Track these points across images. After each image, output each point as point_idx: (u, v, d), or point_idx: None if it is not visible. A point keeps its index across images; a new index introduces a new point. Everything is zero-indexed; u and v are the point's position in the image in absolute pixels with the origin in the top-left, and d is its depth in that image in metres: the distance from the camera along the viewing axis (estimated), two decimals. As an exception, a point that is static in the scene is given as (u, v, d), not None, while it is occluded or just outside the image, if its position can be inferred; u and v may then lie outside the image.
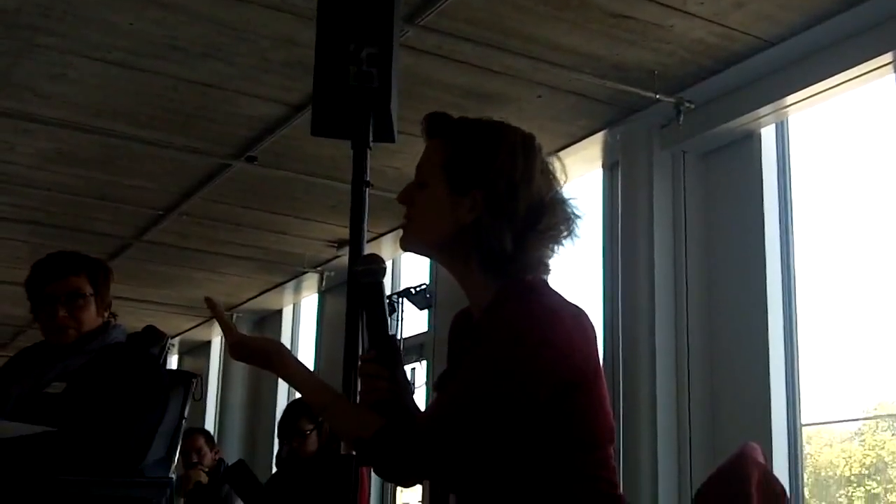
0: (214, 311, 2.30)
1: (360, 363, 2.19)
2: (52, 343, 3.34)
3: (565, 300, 2.00)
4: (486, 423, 1.88)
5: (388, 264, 9.81)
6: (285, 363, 2.15)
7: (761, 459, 1.98)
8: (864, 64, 5.65)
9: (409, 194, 2.11)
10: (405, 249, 2.19)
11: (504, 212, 1.99)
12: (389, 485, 9.59)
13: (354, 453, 2.01)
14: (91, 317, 3.34)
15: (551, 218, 2.01)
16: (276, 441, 5.29)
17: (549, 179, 2.05)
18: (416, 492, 9.45)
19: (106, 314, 3.42)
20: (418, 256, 2.25)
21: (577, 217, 2.08)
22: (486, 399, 1.88)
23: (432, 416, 1.96)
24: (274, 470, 5.60)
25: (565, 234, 2.06)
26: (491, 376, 1.89)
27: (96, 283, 3.37)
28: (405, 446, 1.92)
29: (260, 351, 2.19)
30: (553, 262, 2.07)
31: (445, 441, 1.89)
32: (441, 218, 2.05)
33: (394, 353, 2.16)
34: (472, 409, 1.88)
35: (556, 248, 2.06)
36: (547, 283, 2.05)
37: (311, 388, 2.13)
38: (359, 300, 2.23)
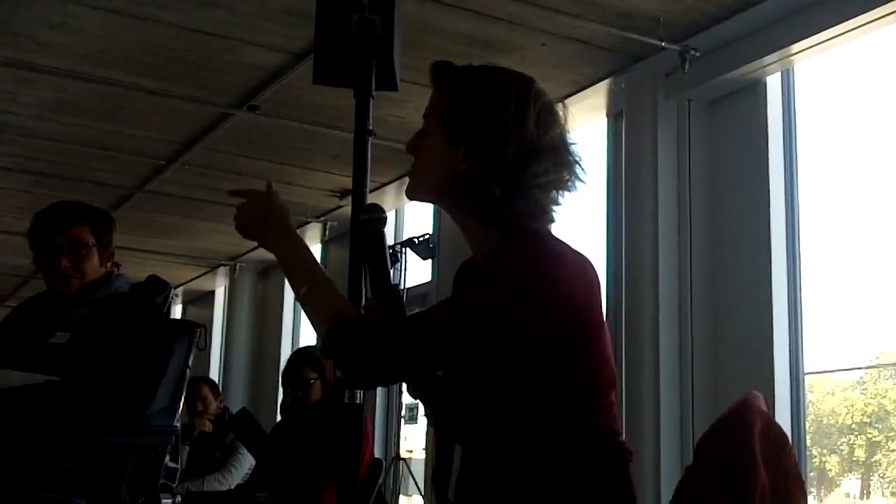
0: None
1: (362, 312, 2.19)
2: (55, 293, 3.34)
3: (570, 247, 2.00)
4: (467, 346, 1.89)
5: (392, 214, 9.81)
6: (284, 234, 2.19)
7: (764, 408, 1.98)
8: (872, 11, 5.60)
9: (414, 143, 2.13)
10: (410, 198, 2.20)
11: (493, 159, 1.99)
12: (393, 433, 9.64)
13: (324, 334, 2.00)
14: (94, 266, 3.34)
15: (542, 163, 2.00)
16: (281, 390, 5.32)
17: (547, 124, 2.03)
18: (419, 440, 9.51)
19: (109, 264, 3.42)
20: (422, 205, 2.26)
21: (576, 162, 2.07)
22: (471, 323, 1.89)
23: (414, 319, 1.99)
24: (278, 418, 5.63)
25: (567, 178, 2.05)
26: (488, 305, 1.89)
27: (98, 232, 3.37)
28: (377, 334, 1.93)
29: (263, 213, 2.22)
30: (557, 212, 2.07)
31: (416, 341, 1.91)
32: (439, 165, 2.06)
33: (396, 301, 2.17)
34: (460, 326, 1.90)
35: (556, 195, 2.05)
36: (551, 233, 2.05)
37: (302, 263, 2.16)
38: (361, 250, 2.23)
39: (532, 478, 1.92)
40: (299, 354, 5.32)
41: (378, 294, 2.15)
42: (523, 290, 1.88)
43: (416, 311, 2.08)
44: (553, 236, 2.04)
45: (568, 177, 2.05)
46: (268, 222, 2.20)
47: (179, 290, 14.06)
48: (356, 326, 1.95)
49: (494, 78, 2.07)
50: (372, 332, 1.94)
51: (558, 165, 2.03)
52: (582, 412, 1.95)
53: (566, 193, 2.07)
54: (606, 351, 2.00)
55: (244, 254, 12.24)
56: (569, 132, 2.08)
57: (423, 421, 9.22)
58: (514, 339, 1.89)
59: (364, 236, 2.19)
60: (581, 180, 2.08)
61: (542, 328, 1.89)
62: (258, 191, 2.25)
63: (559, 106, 2.09)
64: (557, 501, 1.91)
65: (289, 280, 2.17)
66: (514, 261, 1.93)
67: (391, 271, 2.19)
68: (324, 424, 4.83)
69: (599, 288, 2.00)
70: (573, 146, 2.08)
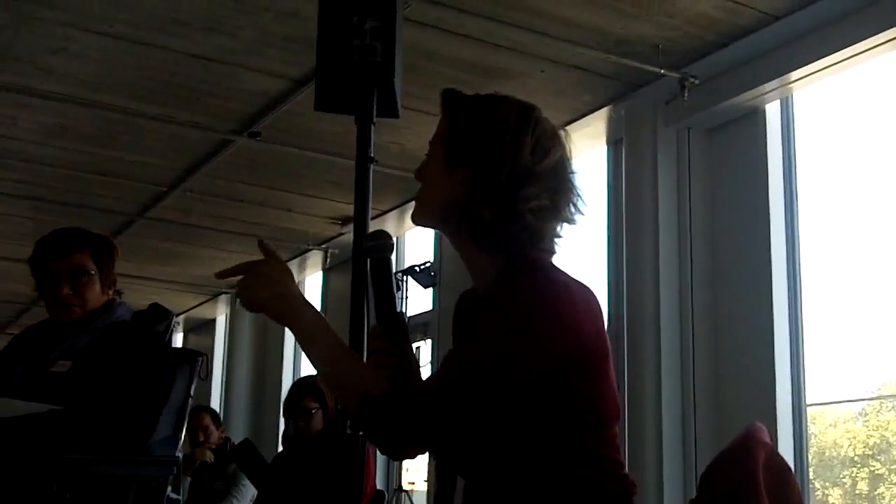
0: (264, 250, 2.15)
1: (367, 339, 2.18)
2: (57, 321, 3.32)
3: (573, 278, 1.99)
4: (491, 393, 1.87)
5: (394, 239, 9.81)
6: (300, 307, 2.05)
7: (767, 440, 1.97)
8: (871, 39, 5.61)
9: (420, 169, 2.14)
10: (415, 223, 2.20)
11: (487, 182, 2.00)
12: (395, 465, 9.61)
13: (354, 413, 1.96)
14: (95, 294, 3.33)
15: (535, 188, 1.99)
16: (282, 419, 5.30)
17: (545, 151, 2.03)
18: (421, 472, 9.47)
19: (110, 291, 3.40)
20: (423, 233, 2.24)
21: (574, 191, 2.06)
22: (492, 370, 1.87)
23: (438, 382, 1.93)
24: (280, 448, 5.61)
25: (563, 206, 2.04)
26: (499, 348, 1.88)
27: (100, 259, 3.35)
28: (410, 410, 1.89)
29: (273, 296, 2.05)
30: (557, 243, 2.07)
31: (449, 408, 1.88)
32: (440, 188, 2.08)
33: (401, 328, 2.16)
34: (477, 378, 1.88)
35: (553, 225, 2.04)
36: (552, 263, 2.04)
37: (323, 336, 2.03)
38: (367, 276, 2.22)
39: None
40: (300, 384, 5.30)
41: (383, 321, 2.14)
42: (534, 327, 1.88)
43: (420, 341, 2.06)
44: (555, 267, 2.03)
45: (564, 205, 2.05)
46: (273, 293, 2.05)
47: (181, 319, 14.06)
48: (386, 404, 1.91)
49: (496, 104, 2.08)
50: (402, 409, 1.90)
51: (553, 192, 2.02)
52: (586, 445, 1.94)
53: (565, 225, 2.07)
54: (611, 383, 1.99)
55: (244, 281, 12.22)
56: (569, 161, 2.08)
57: (425, 453, 9.18)
58: (532, 377, 1.88)
59: (371, 262, 2.18)
60: (579, 210, 2.07)
61: (550, 364, 1.89)
62: (253, 261, 2.08)
63: (562, 134, 2.09)
64: (561, 536, 1.89)
65: (308, 355, 2.06)
66: (519, 295, 1.91)
67: (397, 298, 2.18)
68: (326, 455, 4.80)
69: (603, 319, 2.00)
70: (572, 175, 2.07)
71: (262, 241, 2.13)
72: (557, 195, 2.03)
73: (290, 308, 2.05)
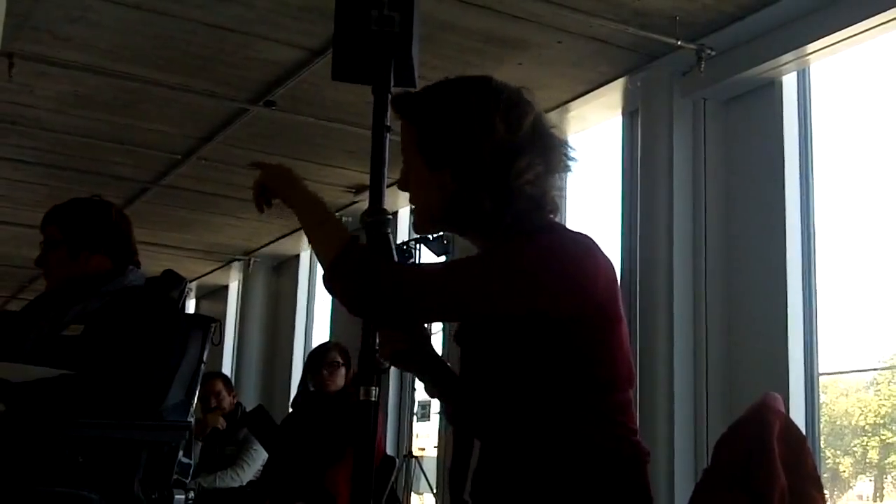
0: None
1: None
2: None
3: (587, 237, 2.00)
4: (471, 305, 1.91)
5: (406, 210, 9.82)
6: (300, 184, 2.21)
7: (782, 409, 1.97)
8: (888, 12, 5.60)
9: (403, 180, 2.15)
10: (419, 233, 2.23)
11: (475, 175, 2.00)
12: (405, 431, 9.64)
13: (333, 258, 1.99)
14: (60, 260, 3.33)
15: (524, 159, 1.99)
16: (293, 385, 5.33)
17: (518, 119, 2.02)
18: (431, 437, 9.50)
19: (91, 255, 3.35)
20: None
21: (556, 144, 2.05)
22: (477, 285, 1.90)
23: (427, 266, 2.01)
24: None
25: (556, 161, 2.04)
26: (506, 269, 1.90)
27: (69, 228, 3.35)
28: (390, 266, 1.98)
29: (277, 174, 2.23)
30: (558, 196, 2.06)
31: (427, 284, 1.92)
32: (431, 196, 2.08)
33: None
34: (469, 282, 1.91)
35: (552, 180, 2.04)
36: (563, 225, 2.06)
37: (315, 208, 2.16)
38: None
39: (549, 475, 1.91)
40: (329, 342, 5.38)
41: None
42: (540, 269, 1.89)
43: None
44: (567, 228, 2.04)
45: (557, 160, 2.05)
46: (284, 177, 2.22)
47: (193, 285, 14.09)
48: (368, 252, 2.00)
49: (452, 93, 2.07)
50: (382, 262, 1.98)
51: (543, 153, 2.02)
52: (601, 409, 1.95)
53: (563, 175, 2.07)
54: (626, 346, 2.00)
55: (258, 249, 12.25)
56: (543, 116, 2.07)
57: (435, 419, 9.23)
58: (520, 311, 1.89)
59: (371, 237, 2.21)
60: (571, 158, 2.08)
61: (558, 307, 1.90)
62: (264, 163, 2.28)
63: (525, 92, 2.07)
64: (574, 500, 1.91)
65: (303, 223, 2.15)
66: (528, 246, 1.92)
67: None
68: (339, 413, 4.83)
69: (616, 282, 2.01)
70: (552, 129, 2.07)
71: (254, 162, 2.32)
72: (547, 155, 2.03)
73: (292, 185, 2.21)
